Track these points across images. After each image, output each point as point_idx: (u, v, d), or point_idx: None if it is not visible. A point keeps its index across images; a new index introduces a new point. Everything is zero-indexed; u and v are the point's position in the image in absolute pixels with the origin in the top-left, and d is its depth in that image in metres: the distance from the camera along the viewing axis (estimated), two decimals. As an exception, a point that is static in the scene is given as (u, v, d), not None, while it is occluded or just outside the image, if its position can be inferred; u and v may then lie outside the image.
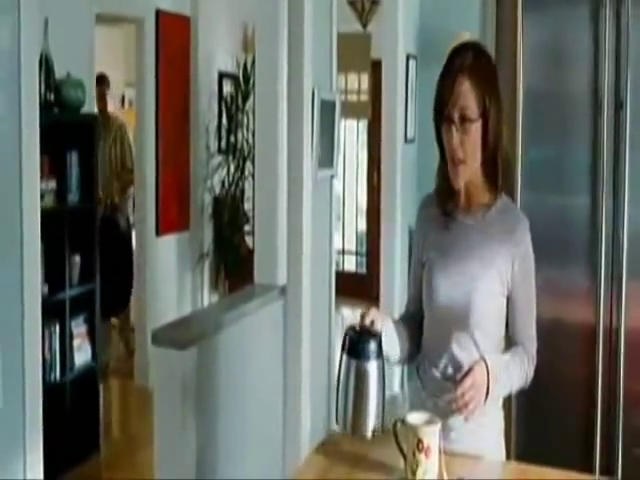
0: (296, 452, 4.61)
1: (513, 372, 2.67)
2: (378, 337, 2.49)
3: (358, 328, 2.53)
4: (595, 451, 3.75)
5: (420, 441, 2.37)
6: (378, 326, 2.55)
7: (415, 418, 2.44)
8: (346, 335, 2.52)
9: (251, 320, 4.35)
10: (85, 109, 5.94)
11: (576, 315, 3.79)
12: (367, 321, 2.55)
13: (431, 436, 2.39)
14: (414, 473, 2.39)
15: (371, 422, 2.45)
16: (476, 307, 2.67)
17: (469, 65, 2.63)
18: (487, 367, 2.55)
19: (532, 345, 2.75)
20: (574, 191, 3.82)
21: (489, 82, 2.66)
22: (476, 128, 2.62)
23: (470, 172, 2.69)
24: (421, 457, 2.38)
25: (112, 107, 8.55)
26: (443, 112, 2.64)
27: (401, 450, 2.44)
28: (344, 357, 2.50)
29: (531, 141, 3.86)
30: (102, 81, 8.01)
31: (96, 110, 7.01)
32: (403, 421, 2.42)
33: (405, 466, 2.41)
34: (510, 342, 2.75)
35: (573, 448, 3.78)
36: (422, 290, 2.84)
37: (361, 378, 2.45)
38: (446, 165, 2.71)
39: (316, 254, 4.94)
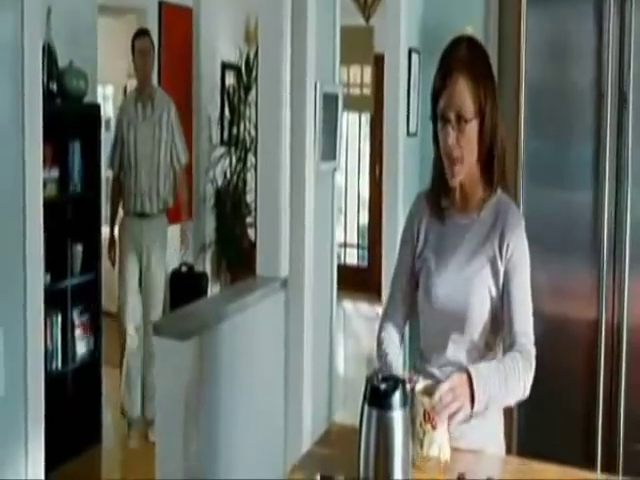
0: (298, 443, 4.62)
1: (509, 374, 2.58)
2: (402, 383, 2.30)
3: (380, 376, 2.32)
4: (596, 447, 3.76)
5: (427, 413, 2.41)
6: None
7: (425, 387, 2.46)
8: (367, 383, 2.32)
9: (253, 312, 4.35)
10: (87, 99, 5.95)
11: (578, 311, 3.79)
12: None
13: (436, 409, 2.41)
14: (421, 443, 2.43)
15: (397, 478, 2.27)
16: (474, 306, 2.67)
17: (463, 62, 2.61)
18: (469, 374, 2.50)
19: (529, 342, 2.66)
20: (577, 186, 3.82)
21: (484, 78, 2.64)
22: (472, 127, 2.62)
23: (466, 170, 2.68)
24: (428, 427, 2.41)
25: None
26: (438, 110, 2.64)
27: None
28: (365, 408, 2.29)
29: (534, 135, 3.87)
30: (143, 36, 6.60)
31: (133, 78, 6.56)
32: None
33: (413, 436, 2.42)
34: (505, 341, 2.70)
35: (575, 444, 3.78)
36: (411, 292, 2.85)
37: (384, 430, 2.26)
38: (442, 161, 2.71)
39: (318, 247, 4.94)
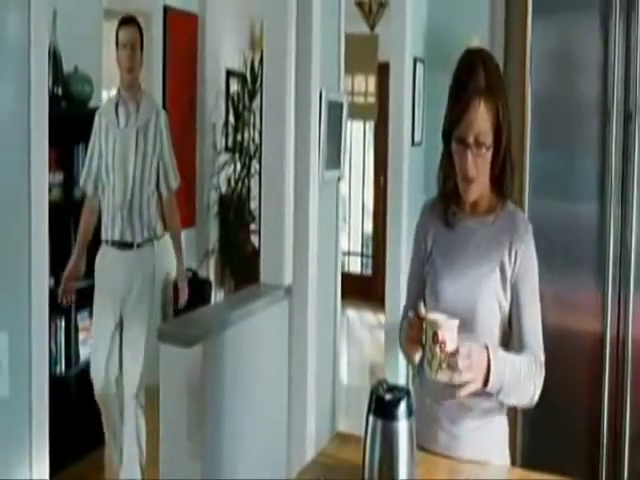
0: (301, 453, 4.61)
1: (522, 370, 2.60)
2: (407, 394, 2.33)
3: (385, 385, 2.35)
4: (601, 462, 3.74)
5: (436, 334, 2.43)
6: None
7: (434, 314, 2.49)
8: (372, 393, 2.35)
9: (257, 319, 4.35)
10: (92, 103, 5.97)
11: (583, 324, 3.79)
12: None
13: (446, 330, 2.43)
14: (430, 365, 2.46)
15: None
16: (481, 310, 2.68)
17: (483, 88, 2.62)
18: (488, 353, 2.52)
19: (539, 349, 2.70)
20: (582, 199, 3.82)
21: (501, 98, 2.65)
22: (490, 151, 2.65)
23: (480, 187, 2.71)
24: (436, 349, 2.43)
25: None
26: (456, 134, 2.66)
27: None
28: (370, 417, 2.31)
29: (539, 147, 3.86)
30: (129, 25, 5.44)
31: (119, 77, 5.36)
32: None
33: (423, 359, 2.49)
34: (515, 348, 2.70)
35: (579, 458, 3.77)
36: (423, 294, 2.84)
37: (389, 440, 2.28)
38: (448, 168, 2.75)
39: (322, 255, 4.94)
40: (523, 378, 2.61)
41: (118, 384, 5.36)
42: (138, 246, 5.30)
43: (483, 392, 2.58)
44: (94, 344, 5.37)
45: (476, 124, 2.61)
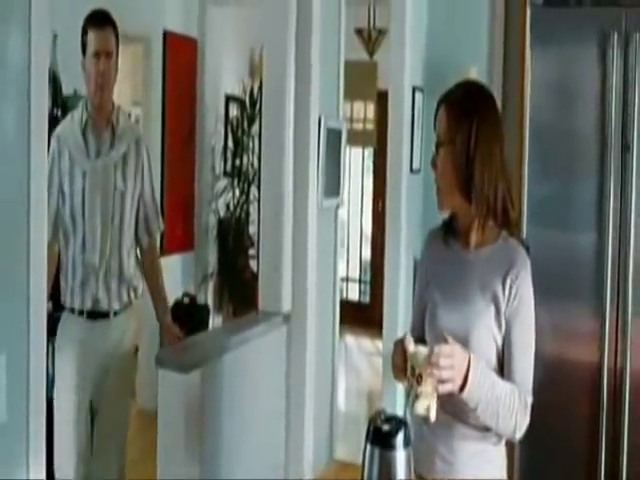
0: (299, 477, 4.59)
1: (502, 394, 2.55)
2: (405, 424, 2.31)
3: (383, 416, 2.33)
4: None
5: (413, 368, 2.45)
6: None
7: (416, 348, 2.49)
8: (370, 423, 2.33)
9: (255, 346, 4.35)
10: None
11: (581, 354, 3.79)
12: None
13: (422, 365, 2.43)
14: (408, 395, 2.49)
15: None
16: (475, 343, 2.64)
17: (451, 95, 2.69)
18: (469, 360, 2.49)
19: (526, 392, 2.63)
20: (580, 228, 3.84)
21: (468, 111, 2.64)
22: (445, 152, 2.64)
23: (448, 199, 2.70)
24: (413, 382, 2.45)
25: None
26: None
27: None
28: (368, 447, 2.29)
29: (537, 177, 3.88)
30: (102, 27, 4.15)
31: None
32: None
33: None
34: None
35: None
36: (424, 323, 2.84)
37: (387, 470, 2.26)
38: None
39: (320, 282, 4.94)
40: (504, 402, 2.56)
41: None
42: (115, 314, 4.23)
43: (480, 426, 2.59)
44: (57, 441, 4.13)
45: (438, 125, 2.68)
